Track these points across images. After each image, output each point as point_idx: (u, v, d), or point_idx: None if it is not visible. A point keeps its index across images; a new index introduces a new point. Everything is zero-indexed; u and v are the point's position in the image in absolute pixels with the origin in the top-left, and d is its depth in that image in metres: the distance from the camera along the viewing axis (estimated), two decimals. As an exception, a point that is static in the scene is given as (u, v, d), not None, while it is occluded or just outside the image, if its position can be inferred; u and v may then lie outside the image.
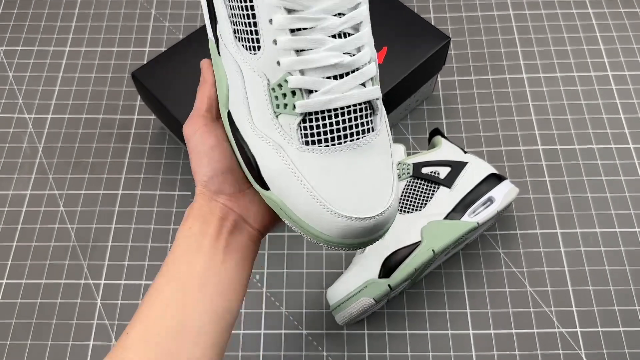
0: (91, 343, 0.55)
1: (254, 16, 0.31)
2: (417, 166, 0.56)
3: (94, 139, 0.67)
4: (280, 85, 0.31)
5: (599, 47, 0.72)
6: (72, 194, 0.64)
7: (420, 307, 0.57)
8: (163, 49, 0.74)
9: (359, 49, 0.31)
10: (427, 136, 0.66)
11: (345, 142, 0.31)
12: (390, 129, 0.67)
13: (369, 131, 0.32)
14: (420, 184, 0.55)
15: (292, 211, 0.32)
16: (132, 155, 0.66)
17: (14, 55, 0.74)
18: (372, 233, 0.31)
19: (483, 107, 0.68)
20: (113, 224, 0.62)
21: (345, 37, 0.30)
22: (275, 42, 0.30)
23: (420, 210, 0.54)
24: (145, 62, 0.71)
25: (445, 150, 0.58)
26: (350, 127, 0.31)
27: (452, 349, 0.54)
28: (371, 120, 0.32)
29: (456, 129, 0.67)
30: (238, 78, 0.33)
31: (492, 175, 0.56)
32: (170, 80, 0.60)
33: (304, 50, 0.30)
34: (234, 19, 0.32)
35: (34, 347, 0.55)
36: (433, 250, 0.51)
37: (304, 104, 0.30)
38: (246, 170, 0.34)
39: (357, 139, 0.31)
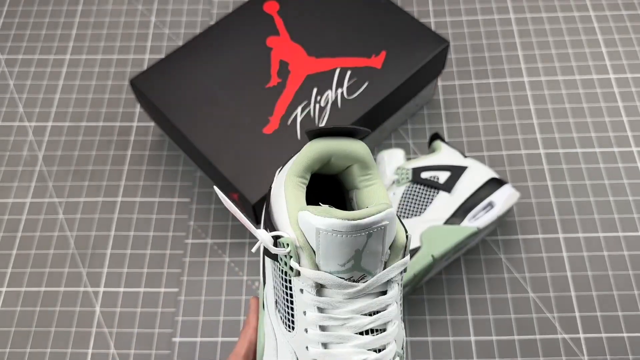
0: (90, 350, 0.55)
1: (292, 302, 0.32)
2: (417, 171, 0.56)
3: (94, 147, 0.67)
4: None
5: (600, 50, 0.72)
6: (71, 202, 0.64)
7: (421, 313, 0.56)
8: (163, 57, 0.74)
9: (384, 347, 0.32)
10: (427, 141, 0.66)
11: None
12: (391, 134, 0.66)
13: None
14: (419, 189, 0.55)
15: None
16: (132, 162, 0.66)
17: (15, 64, 0.74)
18: None
19: (484, 111, 0.68)
20: (112, 231, 0.62)
21: (372, 333, 0.32)
22: (306, 330, 0.32)
23: (419, 215, 0.54)
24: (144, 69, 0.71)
25: (445, 154, 0.58)
26: None
27: (453, 356, 0.54)
28: None
29: (457, 133, 0.66)
30: (273, 343, 0.35)
31: (492, 179, 0.56)
32: (170, 87, 0.60)
33: (331, 343, 0.32)
34: (277, 292, 0.34)
35: (33, 355, 0.55)
36: (432, 255, 0.51)
37: None
38: None
39: None
